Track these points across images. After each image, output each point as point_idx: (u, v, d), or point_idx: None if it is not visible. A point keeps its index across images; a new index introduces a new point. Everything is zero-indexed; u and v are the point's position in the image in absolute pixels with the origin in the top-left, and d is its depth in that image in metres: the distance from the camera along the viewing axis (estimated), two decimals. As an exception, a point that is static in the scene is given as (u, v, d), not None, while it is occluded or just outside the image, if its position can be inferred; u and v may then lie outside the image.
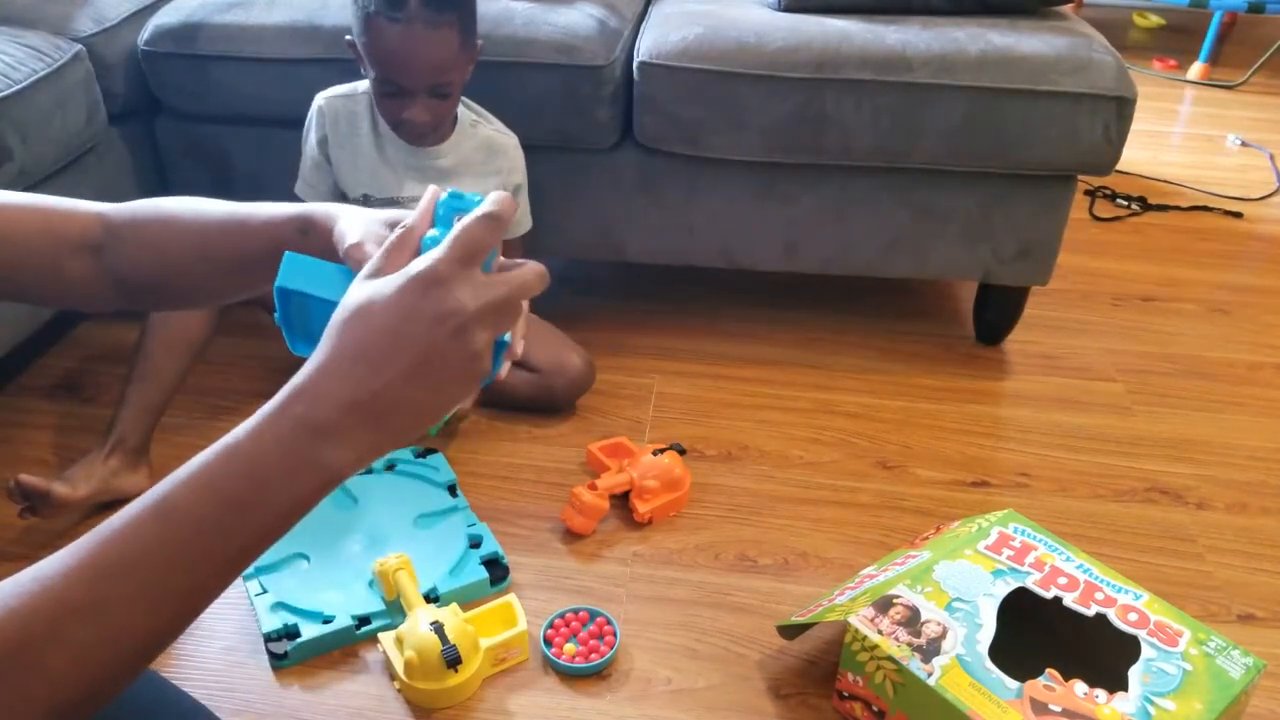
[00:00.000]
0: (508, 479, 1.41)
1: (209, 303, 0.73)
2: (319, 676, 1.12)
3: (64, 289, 0.68)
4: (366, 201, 1.44)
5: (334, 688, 1.11)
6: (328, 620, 1.15)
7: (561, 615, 1.17)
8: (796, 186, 1.56)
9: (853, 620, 1.02)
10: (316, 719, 1.07)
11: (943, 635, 0.99)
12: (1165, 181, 2.40)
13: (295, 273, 0.57)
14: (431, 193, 0.56)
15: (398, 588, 1.16)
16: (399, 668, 1.08)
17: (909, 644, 0.99)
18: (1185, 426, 1.56)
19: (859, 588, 1.12)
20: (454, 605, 1.13)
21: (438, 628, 1.07)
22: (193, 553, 0.46)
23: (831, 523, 1.35)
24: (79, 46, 1.48)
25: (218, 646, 1.15)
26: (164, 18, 1.56)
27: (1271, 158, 2.56)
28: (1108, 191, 2.31)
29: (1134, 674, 0.96)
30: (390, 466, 1.39)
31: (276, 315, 0.58)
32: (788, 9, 1.55)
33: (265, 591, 1.18)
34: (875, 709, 1.03)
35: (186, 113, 1.63)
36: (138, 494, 0.46)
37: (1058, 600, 1.04)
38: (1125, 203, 2.27)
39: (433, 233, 0.54)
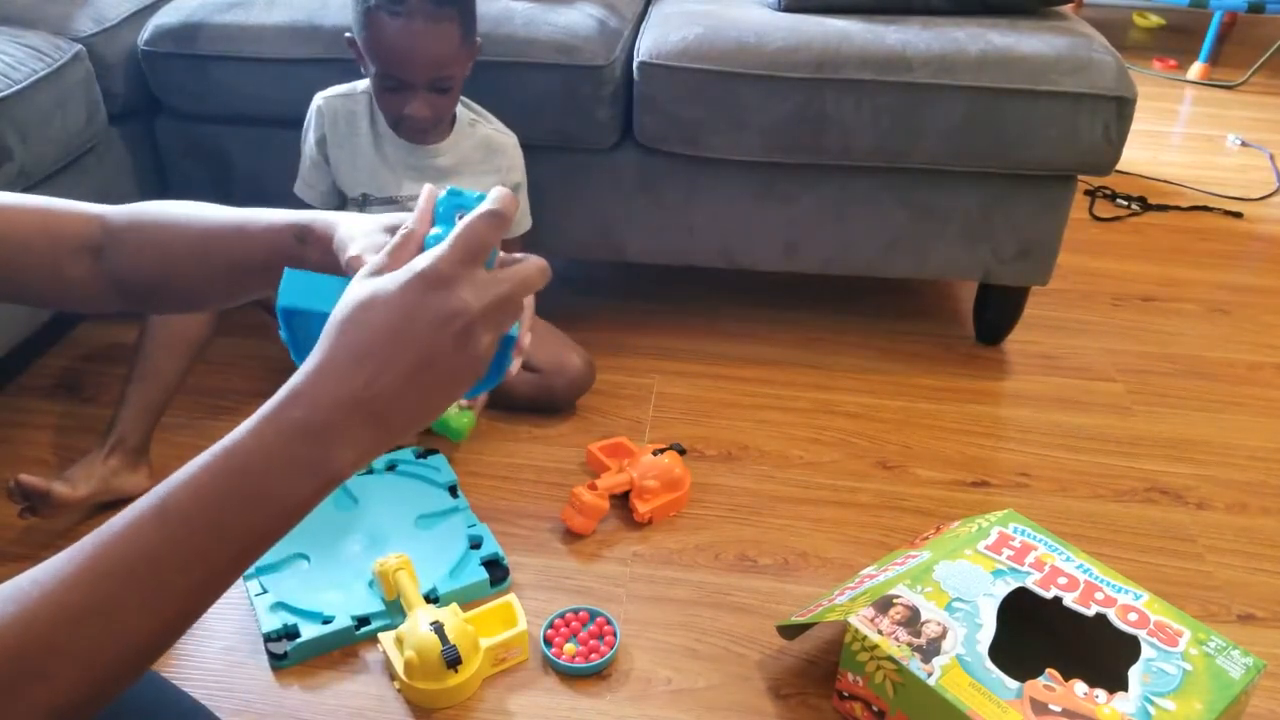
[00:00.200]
0: (508, 479, 1.41)
1: (208, 306, 0.73)
2: (319, 676, 1.12)
3: (63, 290, 0.68)
4: (366, 201, 1.44)
5: (334, 688, 1.11)
6: (328, 620, 1.15)
7: (561, 615, 1.17)
8: (796, 186, 1.56)
9: (853, 620, 1.02)
10: (316, 719, 1.07)
11: (943, 635, 0.99)
12: (1165, 181, 2.40)
13: (296, 290, 0.56)
14: (429, 192, 0.55)
15: (398, 588, 1.16)
16: (399, 668, 1.08)
17: (909, 644, 0.99)
18: (1185, 426, 1.56)
19: (859, 588, 1.12)
20: (454, 605, 1.13)
21: (438, 628, 1.07)
22: (193, 554, 0.46)
23: (831, 523, 1.35)
24: (79, 46, 1.48)
25: (218, 646, 1.15)
26: (164, 18, 1.56)
27: (1271, 158, 2.55)
28: (1108, 191, 2.31)
29: (1134, 674, 0.96)
30: (391, 467, 1.39)
31: (281, 333, 0.56)
32: (788, 9, 1.55)
33: (265, 591, 1.18)
34: (875, 709, 1.03)
35: (186, 113, 1.63)
36: (138, 494, 0.46)
37: (1058, 600, 1.04)
38: (1125, 203, 2.27)
39: (435, 231, 0.53)
